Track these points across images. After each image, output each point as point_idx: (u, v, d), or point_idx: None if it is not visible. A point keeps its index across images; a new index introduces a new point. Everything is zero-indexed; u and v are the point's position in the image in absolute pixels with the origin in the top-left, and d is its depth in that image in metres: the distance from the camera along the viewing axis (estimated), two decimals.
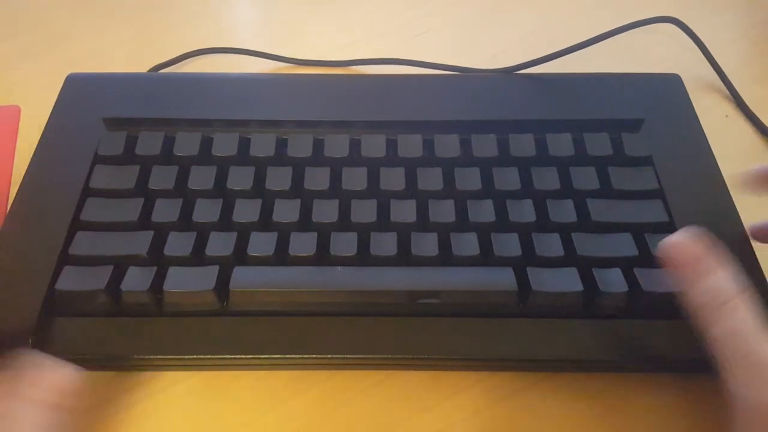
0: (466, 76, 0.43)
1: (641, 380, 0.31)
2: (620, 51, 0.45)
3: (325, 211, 0.33)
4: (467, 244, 0.32)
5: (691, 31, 0.44)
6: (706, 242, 0.26)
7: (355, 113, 0.38)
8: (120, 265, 0.31)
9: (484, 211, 0.33)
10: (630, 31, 0.42)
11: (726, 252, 0.26)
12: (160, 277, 0.31)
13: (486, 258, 0.32)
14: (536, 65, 0.41)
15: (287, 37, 0.48)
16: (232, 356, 0.30)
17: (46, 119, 0.38)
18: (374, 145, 0.36)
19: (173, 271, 0.31)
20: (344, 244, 0.32)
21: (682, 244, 0.26)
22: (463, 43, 0.48)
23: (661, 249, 0.27)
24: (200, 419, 0.30)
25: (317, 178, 0.34)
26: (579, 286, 0.30)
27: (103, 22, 0.49)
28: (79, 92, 0.40)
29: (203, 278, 0.30)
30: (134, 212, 0.33)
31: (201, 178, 0.34)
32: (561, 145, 0.36)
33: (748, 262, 0.31)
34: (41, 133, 0.37)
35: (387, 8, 0.50)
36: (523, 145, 0.36)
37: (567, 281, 0.30)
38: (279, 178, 0.34)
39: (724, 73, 0.44)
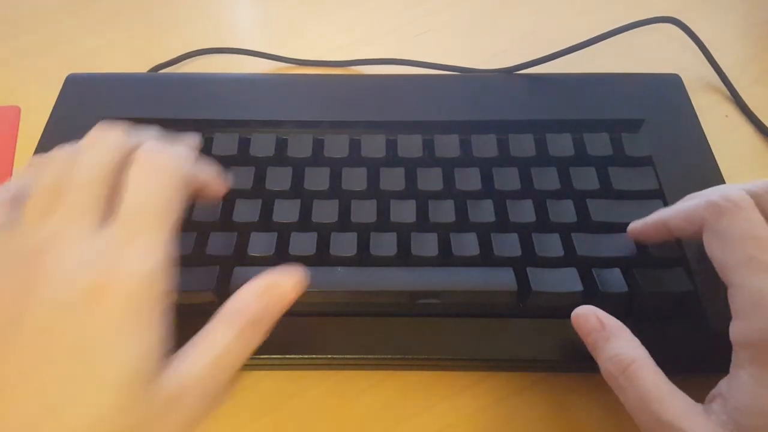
0: (466, 76, 0.43)
1: None
2: (620, 51, 0.45)
3: (325, 211, 0.33)
4: (467, 244, 0.32)
5: (691, 31, 0.44)
6: (601, 315, 0.27)
7: (355, 113, 0.38)
8: None
9: (484, 211, 0.33)
10: (630, 31, 0.42)
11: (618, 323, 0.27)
12: None
13: (486, 258, 0.32)
14: (536, 65, 0.41)
15: (287, 37, 0.48)
16: None
17: (46, 119, 0.38)
18: (374, 145, 0.36)
19: (173, 271, 0.31)
20: (344, 244, 0.32)
21: (582, 315, 0.28)
22: (463, 43, 0.48)
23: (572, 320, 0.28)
24: None
25: (317, 178, 0.34)
26: (579, 286, 0.30)
27: (103, 22, 0.49)
28: (79, 92, 0.40)
29: (203, 278, 0.30)
30: None
31: None
32: (561, 145, 0.36)
33: None
34: (41, 133, 0.37)
35: (387, 8, 0.50)
36: (523, 145, 0.36)
37: (567, 281, 0.30)
38: (279, 178, 0.34)
39: (724, 73, 0.44)
